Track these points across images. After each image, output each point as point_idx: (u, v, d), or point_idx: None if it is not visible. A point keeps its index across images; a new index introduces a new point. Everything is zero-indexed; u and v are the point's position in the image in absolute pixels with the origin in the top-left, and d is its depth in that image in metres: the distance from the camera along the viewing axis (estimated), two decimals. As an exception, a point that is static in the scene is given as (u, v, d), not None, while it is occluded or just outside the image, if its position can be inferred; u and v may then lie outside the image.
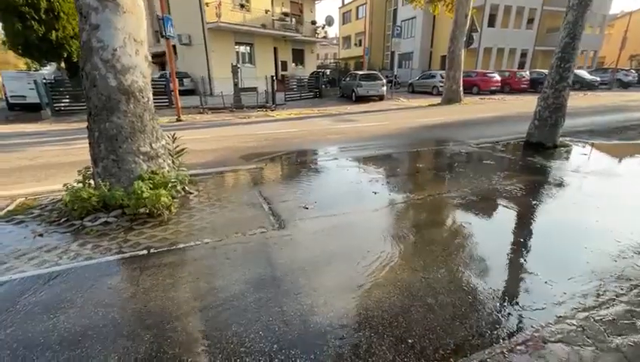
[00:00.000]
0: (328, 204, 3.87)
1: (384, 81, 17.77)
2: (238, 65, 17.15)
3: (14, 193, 4.37)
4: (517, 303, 2.16)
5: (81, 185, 3.72)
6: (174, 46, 23.35)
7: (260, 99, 16.39)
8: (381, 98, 17.86)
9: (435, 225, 3.32)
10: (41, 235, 3.22)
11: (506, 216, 3.57)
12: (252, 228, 3.25)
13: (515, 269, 2.57)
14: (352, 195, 4.19)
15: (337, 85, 21.49)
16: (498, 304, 2.15)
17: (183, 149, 4.48)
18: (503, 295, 2.25)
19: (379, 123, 10.52)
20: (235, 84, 15.70)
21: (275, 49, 24.41)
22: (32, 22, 15.31)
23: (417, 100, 17.72)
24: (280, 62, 25.30)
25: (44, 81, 13.05)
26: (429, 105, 15.34)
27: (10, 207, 3.90)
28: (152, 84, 12.33)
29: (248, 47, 22.85)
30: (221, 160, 6.09)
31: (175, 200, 3.94)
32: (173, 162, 4.38)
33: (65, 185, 3.74)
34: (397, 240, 2.97)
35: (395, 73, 23.35)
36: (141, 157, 3.69)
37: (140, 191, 3.29)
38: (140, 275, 2.52)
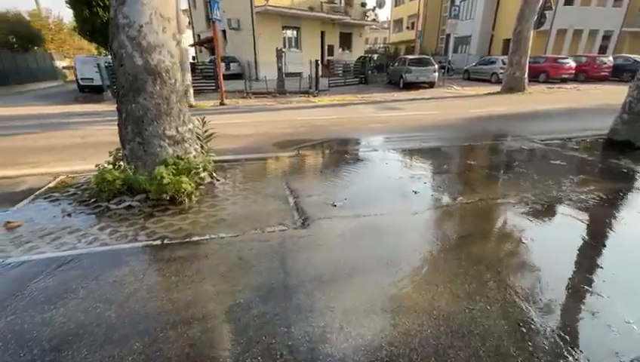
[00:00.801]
0: (360, 201, 3.45)
1: (436, 66, 16.43)
2: (283, 50, 16.93)
3: (59, 170, 4.56)
4: (591, 354, 1.61)
5: (111, 166, 3.71)
6: (224, 31, 23.91)
7: (303, 85, 16.09)
8: (431, 85, 16.59)
9: (486, 239, 2.76)
10: (69, 215, 3.24)
11: (580, 233, 2.87)
12: (272, 225, 2.96)
13: (590, 307, 1.97)
14: (389, 193, 3.71)
15: (385, 71, 20.43)
16: (565, 353, 1.62)
17: (211, 134, 4.31)
18: (572, 342, 1.70)
19: (427, 112, 9.66)
20: (279, 69, 15.54)
21: (322, 33, 23.80)
22: (98, 8, 16.42)
23: (473, 88, 16.17)
24: (326, 47, 24.66)
25: (106, 64, 13.95)
26: (486, 94, 13.87)
27: (51, 184, 4.04)
28: (202, 68, 12.59)
29: (295, 31, 22.54)
30: (255, 146, 5.90)
31: (201, 186, 3.80)
32: (202, 147, 4.24)
33: (97, 165, 3.76)
34: (437, 255, 2.49)
35: (450, 58, 21.54)
36: (166, 141, 3.56)
37: (159, 177, 3.15)
38: (146, 269, 2.36)
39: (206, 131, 4.27)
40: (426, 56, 17.80)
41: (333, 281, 2.20)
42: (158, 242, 2.71)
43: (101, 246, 2.67)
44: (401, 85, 16.59)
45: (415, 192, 3.69)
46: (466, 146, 5.86)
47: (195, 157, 3.82)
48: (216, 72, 16.20)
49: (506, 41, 20.57)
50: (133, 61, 3.20)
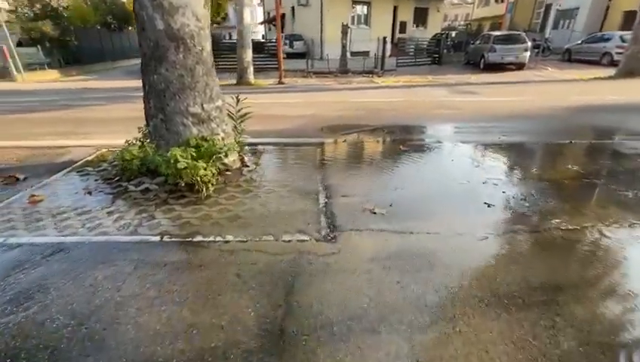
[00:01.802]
0: (409, 211, 2.66)
1: (528, 44, 13.83)
2: (349, 26, 15.88)
3: (104, 143, 4.56)
4: None
5: (139, 143, 3.48)
6: (293, 7, 23.50)
7: (368, 65, 14.97)
8: (520, 67, 14.08)
9: (600, 296, 1.79)
10: (90, 193, 3.07)
11: None
12: (290, 231, 2.37)
13: None
14: (450, 203, 2.84)
15: (463, 50, 18.08)
16: None
17: (246, 114, 3.83)
18: None
19: (511, 98, 8.02)
20: (343, 46, 14.62)
21: (394, 8, 21.86)
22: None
23: (575, 71, 13.26)
24: (398, 23, 22.67)
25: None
26: (594, 79, 11.20)
27: (90, 158, 4.00)
28: (269, 47, 12.37)
29: (365, 7, 21.07)
30: (301, 129, 5.33)
31: (228, 173, 3.37)
32: (235, 128, 3.79)
33: (126, 141, 3.56)
34: (512, 314, 1.64)
35: (547, 36, 18.11)
36: (190, 119, 3.15)
37: (173, 161, 2.76)
38: (130, 274, 1.96)
39: (240, 110, 3.80)
40: (517, 32, 15.10)
41: (350, 335, 1.53)
42: (157, 238, 2.33)
43: (99, 235, 2.38)
44: (481, 66, 14.42)
45: (488, 205, 2.75)
46: (564, 145, 4.49)
47: (222, 139, 3.38)
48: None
49: (629, 14, 16.48)
50: (154, 25, 2.80)
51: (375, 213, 2.60)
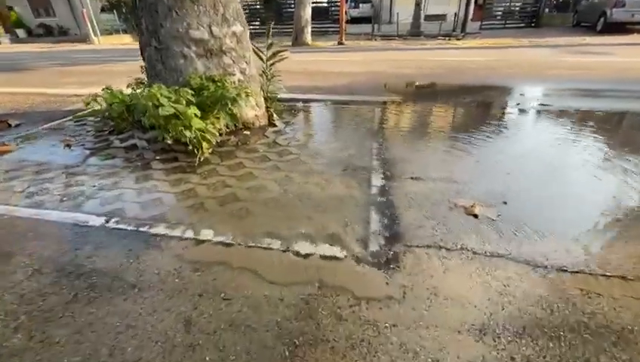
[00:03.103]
0: (548, 217, 1.38)
1: (677, -4, 10.26)
2: (426, -20, 13.58)
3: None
4: None
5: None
6: (361, -36, 21.25)
7: (445, 29, 12.72)
8: (657, 28, 10.63)
9: None
10: (68, 146, 2.33)
11: None
12: (314, 236, 1.29)
13: None
14: (594, 208, 1.47)
15: (571, 10, 14.52)
16: None
17: (278, 52, 2.73)
18: None
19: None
20: (417, 4, 12.54)
21: (483, -39, 18.39)
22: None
23: None
24: (486, -20, 19.16)
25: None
26: None
27: (98, 107, 3.33)
28: (332, 11, 11.10)
29: (447, -40, 18.03)
30: (354, 86, 4.10)
31: (246, 131, 2.39)
32: (264, 74, 2.75)
33: (129, 85, 2.75)
34: None
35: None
36: (193, 47, 2.18)
37: (152, 105, 1.82)
38: (16, 285, 1.09)
39: (271, 45, 2.72)
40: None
41: None
42: (100, 221, 1.43)
43: (31, 207, 1.57)
44: (598, 28, 11.22)
45: None
46: None
47: (240, 82, 2.37)
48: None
49: None
50: None
51: (477, 215, 1.38)
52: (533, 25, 14.06)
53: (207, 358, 0.85)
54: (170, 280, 1.10)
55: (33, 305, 1.01)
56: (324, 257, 1.19)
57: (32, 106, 3.50)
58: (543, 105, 3.08)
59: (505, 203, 1.48)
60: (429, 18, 16.02)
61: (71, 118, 3.00)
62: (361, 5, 18.37)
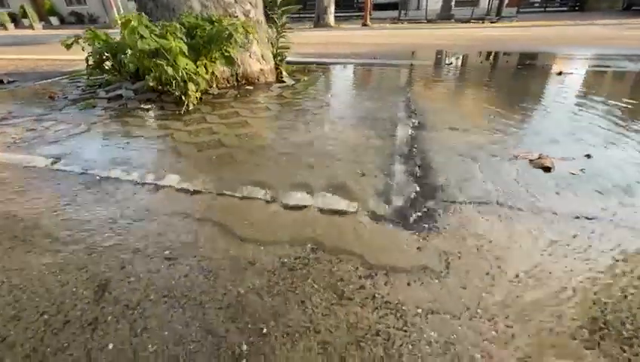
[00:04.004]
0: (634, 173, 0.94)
1: None
2: (460, -40, 12.72)
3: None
4: None
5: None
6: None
7: (478, 14, 11.87)
8: None
9: None
10: (52, 98, 2.07)
11: None
12: (317, 188, 0.92)
13: None
14: None
15: (622, -8, 13.19)
16: None
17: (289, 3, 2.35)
18: None
19: None
20: (449, -15, 11.73)
21: (523, -59, 17.10)
22: None
23: None
24: (525, -37, 17.84)
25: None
26: None
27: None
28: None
29: (482, -59, 16.90)
30: (379, 53, 3.66)
31: (249, 86, 2.04)
32: (274, 23, 2.38)
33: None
34: None
35: None
36: (187, -20, 1.83)
37: (129, 36, 1.50)
38: None
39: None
40: None
41: None
42: (45, 163, 1.13)
43: (-25, 147, 1.29)
44: (655, 9, 10.07)
45: None
46: None
47: (243, 27, 2.01)
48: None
49: None
50: None
51: (549, 168, 0.96)
52: (577, 9, 12.91)
53: (111, 345, 0.50)
54: (99, 232, 0.76)
55: None
56: (324, 211, 0.82)
57: (34, 68, 3.32)
58: (617, 66, 2.53)
59: (588, 156, 1.04)
60: (460, 4, 15.11)
61: (67, 76, 2.76)
62: (388, -10, 17.51)
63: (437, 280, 0.60)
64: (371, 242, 0.71)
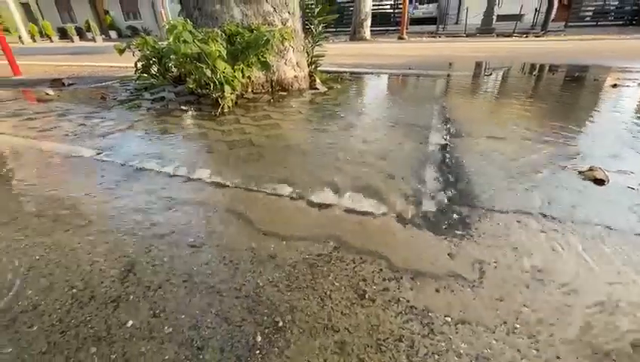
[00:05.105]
0: None
1: None
2: (504, -26, 12.43)
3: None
4: None
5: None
6: (430, -36, 20.36)
7: (521, 27, 11.45)
8: None
9: None
10: (103, 98, 2.24)
11: None
12: (344, 189, 0.90)
13: None
14: None
15: (688, 5, 12.17)
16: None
17: (324, 7, 2.39)
18: None
19: None
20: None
21: (574, -46, 16.39)
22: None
23: None
24: (575, -23, 17.05)
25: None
26: None
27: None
28: (390, 15, 10.82)
29: (529, -45, 16.41)
30: (414, 64, 3.61)
31: (283, 92, 2.09)
32: (309, 31, 2.44)
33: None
34: None
35: None
36: (230, -10, 1.93)
37: (174, 40, 1.59)
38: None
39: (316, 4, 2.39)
40: None
41: None
42: (90, 153, 1.21)
43: (35, 138, 1.42)
44: None
45: None
46: None
47: (281, 34, 2.07)
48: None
49: None
50: None
51: (603, 181, 0.87)
52: (634, 23, 12.03)
53: (131, 322, 0.50)
54: (131, 217, 0.79)
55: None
56: (350, 211, 0.79)
57: (92, 73, 3.63)
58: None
59: (649, 170, 0.94)
60: (502, 18, 14.64)
61: (118, 80, 2.99)
62: (426, 5, 17.44)
63: (469, 289, 0.55)
64: (398, 245, 0.67)
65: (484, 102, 1.85)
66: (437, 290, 0.55)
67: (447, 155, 1.10)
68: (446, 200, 0.82)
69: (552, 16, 12.86)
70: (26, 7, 20.61)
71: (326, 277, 0.59)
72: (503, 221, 0.74)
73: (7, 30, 15.13)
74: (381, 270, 0.60)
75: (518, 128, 1.34)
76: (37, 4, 21.44)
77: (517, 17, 14.96)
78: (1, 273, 0.62)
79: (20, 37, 14.61)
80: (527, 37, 10.15)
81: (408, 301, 0.53)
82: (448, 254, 0.64)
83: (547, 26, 10.92)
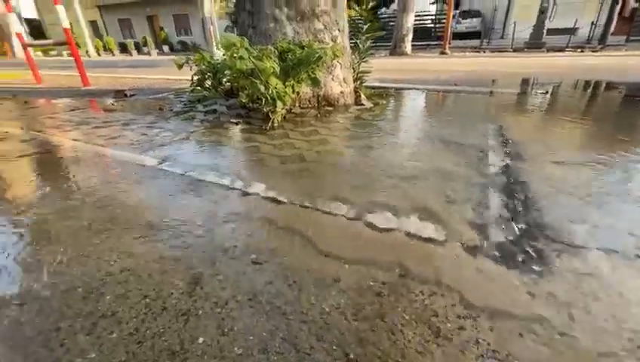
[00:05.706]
0: None
1: None
2: (556, -14, 11.85)
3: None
4: None
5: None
6: (474, -21, 19.95)
7: (575, 41, 10.79)
8: None
9: None
10: (161, 109, 2.41)
11: None
12: (402, 211, 0.87)
13: None
14: None
15: None
16: None
17: (372, 25, 2.40)
18: None
19: None
20: (542, 12, 10.93)
21: (636, -36, 15.28)
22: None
23: None
24: (637, -12, 15.85)
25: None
26: None
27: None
28: (436, 29, 10.87)
29: (584, -34, 15.57)
30: (457, 80, 3.51)
31: (329, 107, 2.12)
32: (355, 47, 2.46)
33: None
34: None
35: None
36: (284, 9, 2.00)
37: (230, 56, 1.67)
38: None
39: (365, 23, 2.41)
40: None
41: None
42: (153, 163, 1.28)
43: (102, 146, 1.54)
44: None
45: None
46: None
47: (332, 52, 2.10)
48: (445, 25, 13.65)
49: None
50: None
51: None
52: None
53: (202, 339, 0.51)
54: (194, 228, 0.81)
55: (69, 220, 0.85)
56: (412, 236, 0.76)
57: (149, 85, 3.92)
58: None
59: None
60: (552, 32, 13.87)
61: (173, 92, 3.20)
62: (469, 20, 17.01)
63: (559, 336, 0.50)
64: (469, 277, 0.63)
65: (543, 122, 1.74)
66: (520, 334, 0.50)
67: (512, 179, 1.03)
68: (517, 231, 0.76)
69: (612, 29, 12.01)
70: (93, 25, 22.92)
71: (395, 308, 0.56)
72: (588, 259, 0.66)
73: (77, 45, 16.92)
74: (453, 305, 0.56)
75: (583, 151, 1.24)
76: (103, 22, 23.75)
77: (570, 31, 14.14)
78: (85, 276, 0.66)
79: (87, 51, 16.24)
80: (582, 51, 9.54)
81: (489, 344, 0.49)
82: (528, 292, 0.58)
83: (606, 39, 10.20)
